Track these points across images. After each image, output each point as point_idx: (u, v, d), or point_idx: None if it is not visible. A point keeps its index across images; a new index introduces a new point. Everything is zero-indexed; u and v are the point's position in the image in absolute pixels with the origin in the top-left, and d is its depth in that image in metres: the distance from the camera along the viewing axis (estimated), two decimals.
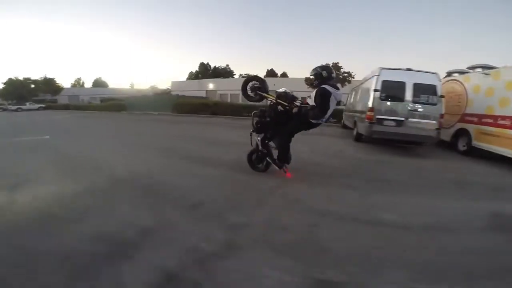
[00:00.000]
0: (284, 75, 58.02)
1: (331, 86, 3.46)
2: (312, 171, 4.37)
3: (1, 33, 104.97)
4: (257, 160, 4.12)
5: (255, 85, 4.10)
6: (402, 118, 6.38)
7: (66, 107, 30.51)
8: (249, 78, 4.28)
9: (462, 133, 6.88)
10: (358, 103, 8.64)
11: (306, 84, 30.77)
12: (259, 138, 3.98)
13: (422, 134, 6.37)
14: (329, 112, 3.58)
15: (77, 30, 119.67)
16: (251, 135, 4.06)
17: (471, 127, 6.54)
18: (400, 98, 6.43)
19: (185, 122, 13.66)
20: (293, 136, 3.90)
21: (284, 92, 3.82)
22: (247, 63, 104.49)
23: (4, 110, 31.36)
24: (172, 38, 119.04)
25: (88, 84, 63.88)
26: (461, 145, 6.87)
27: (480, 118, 6.27)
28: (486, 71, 6.47)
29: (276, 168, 3.85)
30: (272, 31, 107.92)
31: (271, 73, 58.25)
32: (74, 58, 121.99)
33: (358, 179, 3.97)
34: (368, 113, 6.65)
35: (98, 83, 62.84)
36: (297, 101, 3.82)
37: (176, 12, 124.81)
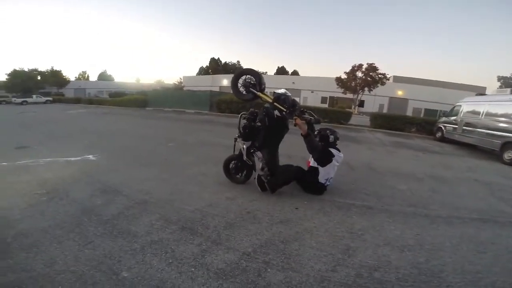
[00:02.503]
0: (295, 73, 56.34)
1: (334, 148, 3.35)
2: None
3: (4, 22, 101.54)
4: (236, 169, 3.58)
5: (248, 81, 3.41)
6: None
7: (77, 101, 28.25)
8: (242, 71, 3.54)
9: None
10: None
11: (337, 84, 29.29)
12: (244, 146, 3.40)
13: None
14: (332, 173, 3.31)
15: (82, 22, 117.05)
16: (235, 141, 3.51)
17: None
18: None
19: None
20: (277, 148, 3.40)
21: (284, 94, 3.19)
22: (257, 60, 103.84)
23: (8, 103, 28.54)
24: (180, 32, 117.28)
25: (93, 78, 61.91)
26: None
27: None
28: None
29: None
30: (283, 28, 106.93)
31: (281, 71, 56.67)
32: (79, 50, 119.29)
33: None
34: None
35: (104, 77, 61.30)
36: (299, 109, 3.21)
37: (186, 6, 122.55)
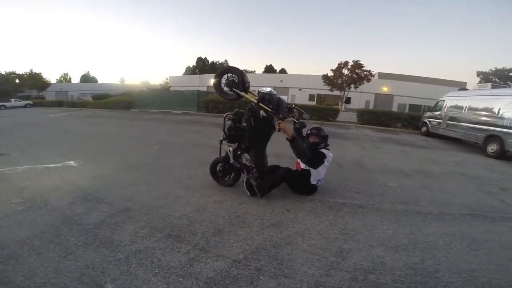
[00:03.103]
0: (282, 71, 56.54)
1: (326, 149, 3.29)
2: None
3: None
4: (223, 172, 3.48)
5: (230, 79, 3.23)
6: None
7: (59, 104, 27.12)
8: (224, 69, 3.38)
9: None
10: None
11: (324, 82, 29.65)
12: (231, 149, 3.27)
13: None
14: (323, 173, 3.25)
15: (63, 22, 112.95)
16: (221, 143, 3.37)
17: None
18: None
19: None
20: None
21: (269, 93, 2.99)
22: (245, 58, 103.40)
23: None
24: (165, 32, 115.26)
25: (75, 80, 59.72)
26: None
27: None
28: None
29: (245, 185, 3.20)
30: (271, 27, 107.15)
31: (269, 69, 56.72)
32: (59, 52, 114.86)
33: None
34: None
35: (86, 79, 59.31)
36: (285, 109, 3.03)
37: (171, 5, 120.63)
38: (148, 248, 2.09)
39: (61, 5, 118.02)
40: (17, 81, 36.16)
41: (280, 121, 2.82)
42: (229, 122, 3.28)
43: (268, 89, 3.05)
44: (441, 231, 2.58)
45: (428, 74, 39.83)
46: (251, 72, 51.93)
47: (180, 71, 61.54)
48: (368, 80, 28.44)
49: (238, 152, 3.27)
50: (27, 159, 4.90)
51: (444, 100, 9.98)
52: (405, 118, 13.15)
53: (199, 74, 47.95)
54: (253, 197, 3.14)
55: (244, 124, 3.17)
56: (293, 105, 3.23)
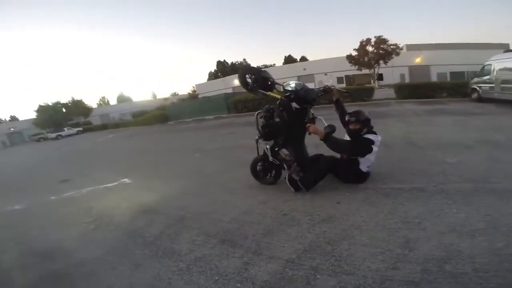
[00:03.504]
0: (303, 59, 54.70)
1: (372, 133, 2.97)
2: None
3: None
4: (264, 170, 3.42)
5: (250, 80, 3.12)
6: None
7: (104, 127, 29.77)
8: (242, 71, 3.24)
9: None
10: None
11: (350, 62, 28.46)
12: (268, 147, 3.23)
13: None
14: (372, 159, 2.97)
15: (90, 47, 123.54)
16: (257, 143, 3.32)
17: None
18: None
19: None
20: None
21: (295, 90, 2.81)
22: (263, 53, 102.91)
23: (45, 139, 30.49)
24: (185, 42, 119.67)
25: (112, 102, 64.87)
26: None
27: None
28: None
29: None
30: (284, 17, 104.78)
31: (289, 60, 55.29)
32: (90, 77, 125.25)
33: None
34: None
35: (122, 99, 63.84)
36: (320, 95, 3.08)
37: (181, 15, 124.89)
38: (206, 255, 2.15)
39: (80, 30, 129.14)
40: (63, 110, 39.16)
41: (309, 124, 2.73)
42: (262, 119, 3.21)
43: (293, 85, 2.88)
44: None
45: (463, 40, 35.61)
46: (270, 66, 51.20)
47: (204, 78, 63.23)
48: (397, 54, 26.77)
49: (276, 149, 3.20)
50: (88, 181, 5.44)
51: (491, 64, 9.29)
52: (450, 87, 12.20)
53: (221, 77, 48.75)
54: (298, 192, 3.03)
55: (278, 119, 3.08)
56: (329, 86, 3.05)
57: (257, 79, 3.10)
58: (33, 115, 38.49)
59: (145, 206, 3.47)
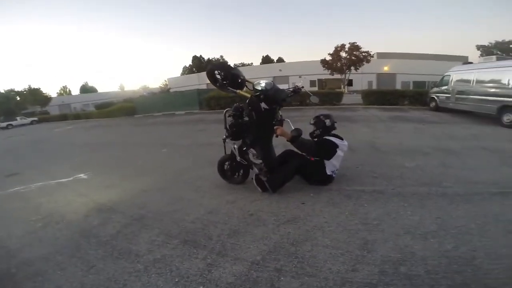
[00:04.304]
0: (280, 60, 55.58)
1: (335, 137, 3.06)
2: None
3: None
4: (231, 170, 3.37)
5: (219, 76, 3.00)
6: None
7: (63, 118, 27.37)
8: (211, 67, 3.09)
9: None
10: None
11: (323, 66, 29.37)
12: (235, 146, 3.17)
13: None
14: (337, 165, 3.07)
15: (55, 35, 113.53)
16: (224, 142, 3.26)
17: None
18: None
19: None
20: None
21: (265, 90, 2.74)
22: (240, 52, 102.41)
23: None
24: (156, 35, 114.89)
25: (75, 91, 60.05)
26: None
27: None
28: None
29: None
30: (264, 17, 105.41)
31: (266, 60, 55.82)
32: (54, 65, 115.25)
33: None
34: None
35: (86, 89, 59.54)
36: (290, 95, 2.99)
37: (162, 6, 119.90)
38: (166, 256, 2.04)
39: (49, 17, 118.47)
40: (18, 98, 36.11)
41: (277, 126, 2.79)
42: (230, 118, 3.13)
43: (263, 84, 2.83)
44: (471, 213, 2.38)
45: (428, 51, 39.28)
46: (248, 64, 51.29)
47: (177, 72, 61.15)
48: (368, 61, 28.20)
49: (244, 148, 3.13)
50: (40, 175, 4.94)
51: (449, 75, 9.94)
52: (412, 95, 12.94)
53: (196, 72, 47.61)
54: (265, 193, 3.01)
55: (246, 118, 3.01)
56: (300, 87, 3.06)
57: (226, 76, 2.98)
58: None
59: (101, 204, 3.22)
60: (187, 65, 58.66)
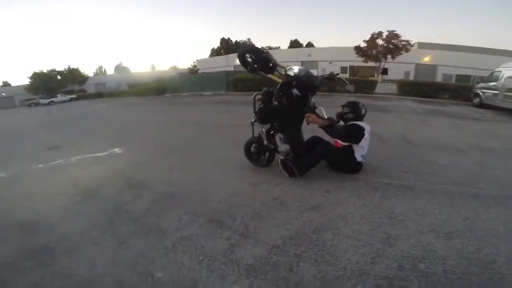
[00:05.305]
0: (309, 45, 53.38)
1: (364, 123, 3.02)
2: None
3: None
4: (257, 152, 3.38)
5: (250, 60, 2.97)
6: None
7: (98, 95, 29.27)
8: (242, 50, 3.11)
9: None
10: None
11: (357, 53, 27.97)
12: (263, 130, 3.16)
13: None
14: (366, 148, 2.99)
15: (89, 16, 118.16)
16: (252, 125, 3.24)
17: None
18: None
19: None
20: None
21: (298, 75, 2.63)
22: (269, 35, 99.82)
23: (37, 105, 29.90)
24: (188, 15, 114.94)
25: (109, 71, 63.06)
26: None
27: None
28: None
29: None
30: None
31: (295, 44, 53.94)
32: (91, 46, 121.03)
33: None
34: None
35: (120, 69, 62.32)
36: (323, 82, 2.94)
37: None
38: (192, 234, 2.15)
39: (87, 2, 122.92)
40: (58, 77, 38.62)
41: (309, 114, 2.75)
42: (259, 102, 3.12)
43: (296, 70, 2.70)
44: (502, 217, 2.24)
45: (476, 44, 35.36)
46: (275, 48, 49.96)
47: (206, 54, 61.36)
48: (407, 50, 26.09)
49: (271, 132, 3.14)
50: (78, 149, 5.33)
51: (500, 71, 9.11)
52: (454, 89, 12.04)
53: (224, 54, 47.47)
54: (291, 178, 3.03)
55: (276, 103, 2.99)
56: (335, 74, 2.97)
57: (257, 59, 2.96)
58: (26, 81, 37.69)
59: (133, 180, 3.43)
60: (215, 47, 58.64)
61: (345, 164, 3.04)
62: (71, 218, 2.63)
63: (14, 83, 51.45)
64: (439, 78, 28.21)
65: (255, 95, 3.18)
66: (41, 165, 4.52)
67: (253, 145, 3.40)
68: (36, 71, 37.16)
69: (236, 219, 2.34)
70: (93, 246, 2.14)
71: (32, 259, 2.06)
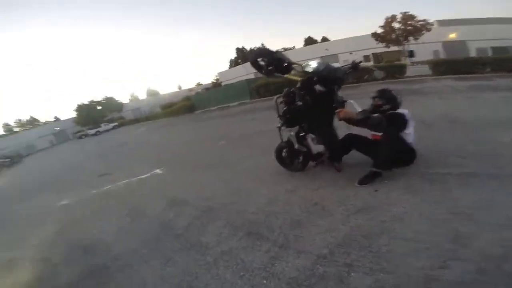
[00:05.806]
0: (324, 39, 51.57)
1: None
2: None
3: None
4: (290, 157, 3.19)
5: (263, 63, 2.83)
6: None
7: (136, 121, 31.48)
8: (252, 56, 2.96)
9: None
10: None
11: (376, 40, 26.97)
12: (292, 133, 2.98)
13: None
14: (412, 132, 2.59)
15: (116, 44, 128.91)
16: (279, 130, 3.10)
17: None
18: None
19: None
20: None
21: (317, 70, 2.52)
22: (281, 36, 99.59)
23: (86, 136, 32.73)
24: (203, 31, 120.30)
25: (141, 96, 67.57)
26: None
27: None
28: None
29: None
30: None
31: (309, 41, 52.51)
32: (119, 72, 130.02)
33: None
34: None
35: (151, 93, 66.37)
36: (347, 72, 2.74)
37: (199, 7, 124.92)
38: (232, 248, 2.10)
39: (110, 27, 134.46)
40: (99, 107, 41.87)
41: (339, 109, 2.53)
42: (282, 105, 2.99)
43: (314, 65, 2.59)
44: None
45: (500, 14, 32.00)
46: (290, 48, 49.26)
47: (225, 65, 62.94)
48: (428, 30, 25.18)
49: (301, 134, 2.97)
50: (124, 174, 5.74)
51: None
52: (493, 62, 11.10)
53: (241, 63, 48.16)
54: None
55: (300, 103, 2.83)
56: (358, 62, 2.76)
57: (270, 61, 2.84)
58: (72, 114, 41.98)
59: (174, 197, 3.55)
60: (233, 58, 59.87)
61: (399, 154, 2.56)
62: (123, 238, 2.80)
63: (62, 117, 57.05)
64: (472, 53, 25.93)
65: (276, 98, 3.07)
66: (94, 191, 4.97)
67: (284, 150, 3.25)
68: (79, 103, 40.90)
69: (274, 229, 2.21)
70: (143, 264, 2.22)
71: (93, 278, 2.23)
